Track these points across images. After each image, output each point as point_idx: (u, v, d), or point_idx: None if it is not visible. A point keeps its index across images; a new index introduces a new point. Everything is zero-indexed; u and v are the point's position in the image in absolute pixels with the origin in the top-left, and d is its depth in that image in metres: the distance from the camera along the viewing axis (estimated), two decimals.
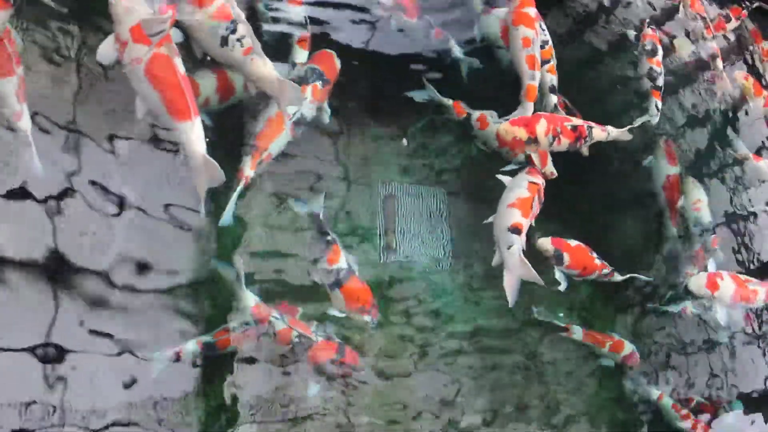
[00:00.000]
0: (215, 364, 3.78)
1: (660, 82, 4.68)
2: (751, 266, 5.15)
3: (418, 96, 4.40)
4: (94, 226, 3.58)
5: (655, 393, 4.62)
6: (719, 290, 4.23)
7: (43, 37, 3.61)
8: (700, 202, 4.76)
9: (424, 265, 4.49)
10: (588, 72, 5.21)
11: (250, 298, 3.60)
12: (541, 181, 4.09)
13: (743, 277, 4.41)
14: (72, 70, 3.70)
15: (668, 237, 4.80)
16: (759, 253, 5.28)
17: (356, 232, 4.37)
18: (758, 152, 5.20)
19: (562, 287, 4.05)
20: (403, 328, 4.33)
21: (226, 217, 3.65)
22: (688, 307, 4.66)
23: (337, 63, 4.06)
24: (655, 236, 4.88)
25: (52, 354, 3.31)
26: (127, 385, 3.51)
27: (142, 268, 3.73)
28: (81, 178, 3.59)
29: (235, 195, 3.64)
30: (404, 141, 4.56)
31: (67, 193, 3.54)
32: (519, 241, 3.79)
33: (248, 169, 3.73)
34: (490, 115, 4.26)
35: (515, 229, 3.80)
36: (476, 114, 4.29)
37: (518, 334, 4.69)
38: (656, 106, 4.65)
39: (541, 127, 3.92)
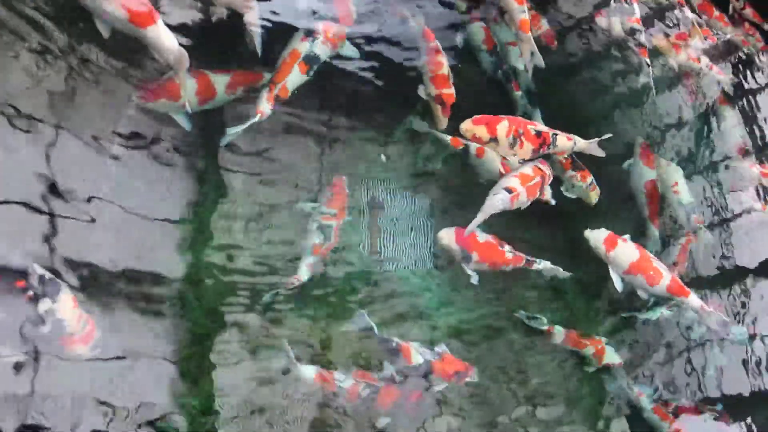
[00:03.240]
0: None
1: (643, 39, 4.68)
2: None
3: (418, 126, 4.49)
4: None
5: (635, 394, 4.62)
6: (615, 251, 4.05)
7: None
8: (678, 185, 4.78)
9: (408, 268, 4.51)
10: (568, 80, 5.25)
11: (308, 371, 3.78)
12: (548, 171, 4.13)
13: (653, 256, 4.20)
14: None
15: (650, 238, 4.80)
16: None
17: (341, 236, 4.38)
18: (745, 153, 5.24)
19: (474, 280, 4.02)
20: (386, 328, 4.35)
21: (226, 139, 3.92)
22: (665, 313, 4.67)
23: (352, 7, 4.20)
24: (640, 239, 4.85)
25: None
26: None
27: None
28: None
29: (248, 123, 3.80)
30: (382, 156, 4.59)
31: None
32: (506, 196, 3.83)
33: (264, 104, 3.87)
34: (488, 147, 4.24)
35: (508, 189, 3.86)
36: (473, 145, 4.30)
37: (501, 333, 4.70)
38: (646, 63, 4.65)
39: (503, 128, 3.87)
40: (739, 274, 5.11)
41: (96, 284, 3.61)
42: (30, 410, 3.13)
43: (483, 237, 4.03)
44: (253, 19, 3.98)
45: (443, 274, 4.60)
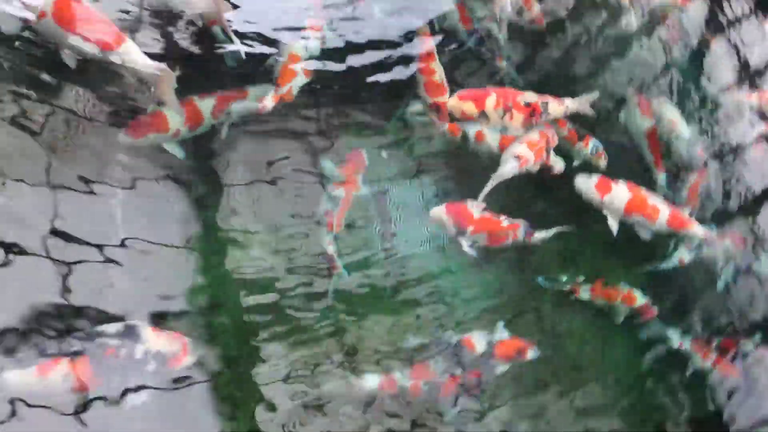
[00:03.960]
0: None
1: None
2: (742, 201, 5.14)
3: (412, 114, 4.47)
4: None
5: (675, 339, 4.59)
6: (610, 195, 3.99)
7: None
8: (674, 122, 4.77)
9: (423, 250, 4.52)
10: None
11: (371, 381, 3.79)
12: (551, 133, 4.10)
13: (646, 192, 4.17)
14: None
15: (658, 185, 4.77)
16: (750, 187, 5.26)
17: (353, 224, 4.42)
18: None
19: (471, 252, 3.99)
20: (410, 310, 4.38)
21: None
22: (684, 256, 4.64)
23: None
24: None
25: None
26: None
27: None
28: None
29: (248, 106, 3.96)
30: (383, 154, 4.58)
31: None
32: (515, 163, 3.82)
33: (269, 100, 3.93)
34: (488, 130, 4.23)
35: (516, 156, 3.86)
36: (472, 130, 4.24)
37: (529, 305, 4.69)
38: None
39: (491, 101, 3.83)
40: (754, 203, 5.10)
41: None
42: None
43: (477, 210, 3.97)
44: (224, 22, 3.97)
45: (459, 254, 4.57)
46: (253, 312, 4.06)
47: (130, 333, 2.99)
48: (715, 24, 5.26)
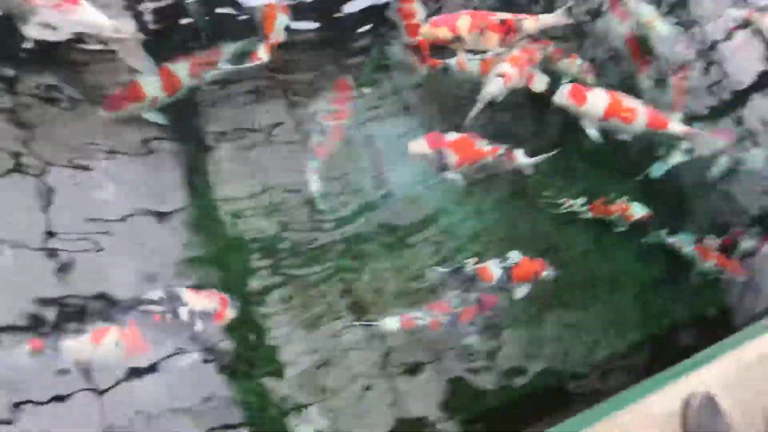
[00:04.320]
0: None
1: None
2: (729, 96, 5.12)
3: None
4: None
5: (678, 243, 4.65)
6: (587, 103, 3.92)
7: None
8: (652, 19, 4.69)
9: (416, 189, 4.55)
10: None
11: (391, 323, 3.83)
12: (535, 48, 4.07)
13: (621, 94, 4.09)
14: None
15: (643, 89, 4.74)
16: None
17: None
18: None
19: (458, 180, 4.01)
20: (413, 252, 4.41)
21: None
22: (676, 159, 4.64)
23: None
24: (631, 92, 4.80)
25: None
26: None
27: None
28: None
29: (244, 65, 4.06)
30: (365, 90, 4.54)
31: None
32: (500, 81, 3.81)
33: (263, 51, 4.05)
34: (468, 58, 4.22)
35: (500, 74, 3.84)
36: (452, 62, 4.25)
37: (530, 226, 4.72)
38: None
39: (464, 24, 3.74)
40: (740, 97, 5.09)
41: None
42: None
43: (453, 135, 3.95)
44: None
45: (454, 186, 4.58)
46: (253, 275, 4.07)
47: (171, 297, 3.13)
48: None
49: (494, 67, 3.91)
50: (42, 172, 3.66)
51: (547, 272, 4.09)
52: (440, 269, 4.05)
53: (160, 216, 3.94)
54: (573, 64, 4.61)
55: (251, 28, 4.21)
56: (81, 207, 3.70)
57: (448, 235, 4.52)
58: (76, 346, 2.90)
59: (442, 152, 3.87)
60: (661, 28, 4.69)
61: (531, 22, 3.97)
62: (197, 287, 3.40)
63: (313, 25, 4.54)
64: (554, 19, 4.02)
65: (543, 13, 4.17)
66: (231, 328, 3.64)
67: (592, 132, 3.99)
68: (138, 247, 3.75)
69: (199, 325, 3.16)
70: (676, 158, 4.54)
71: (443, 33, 3.72)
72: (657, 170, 4.63)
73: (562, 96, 3.95)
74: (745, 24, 4.90)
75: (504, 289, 4.03)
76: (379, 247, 4.36)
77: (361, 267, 4.27)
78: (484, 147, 3.99)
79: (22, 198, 3.56)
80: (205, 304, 3.22)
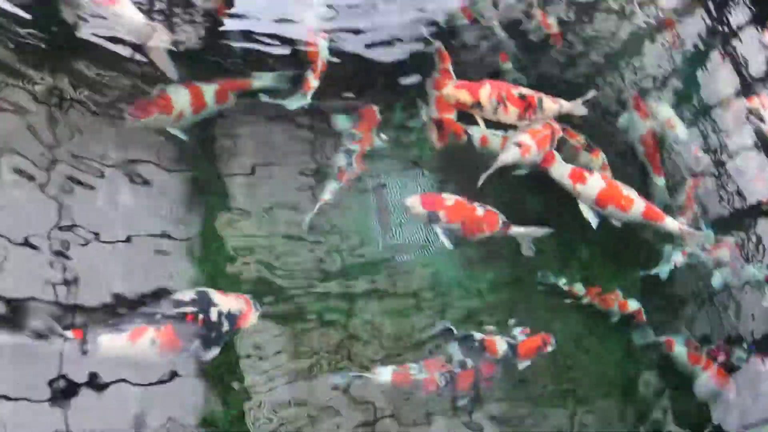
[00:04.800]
0: None
1: None
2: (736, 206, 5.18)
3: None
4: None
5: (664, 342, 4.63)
6: (585, 185, 4.01)
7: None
8: (671, 120, 4.82)
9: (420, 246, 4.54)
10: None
11: (384, 374, 3.78)
12: (557, 126, 4.12)
13: (618, 183, 4.15)
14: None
15: (656, 188, 4.81)
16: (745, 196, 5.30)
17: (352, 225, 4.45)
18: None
19: (447, 245, 3.98)
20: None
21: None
22: (679, 258, 4.67)
23: None
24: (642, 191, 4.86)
25: None
26: None
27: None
28: None
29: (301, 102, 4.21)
30: (382, 136, 4.55)
31: None
32: (516, 150, 3.85)
33: (312, 79, 4.21)
34: (492, 134, 4.35)
35: (518, 143, 3.87)
36: (476, 134, 4.36)
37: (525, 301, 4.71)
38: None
39: (485, 92, 3.81)
40: (749, 213, 5.15)
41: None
42: None
43: (451, 198, 3.97)
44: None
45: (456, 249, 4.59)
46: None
47: (203, 298, 3.22)
48: (713, 34, 5.32)
49: (512, 136, 3.98)
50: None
51: (550, 347, 4.13)
52: (448, 324, 4.05)
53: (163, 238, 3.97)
54: (595, 160, 4.65)
55: (284, 61, 4.30)
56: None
57: (443, 302, 4.50)
58: (113, 342, 2.95)
59: (437, 214, 3.91)
60: (680, 131, 4.79)
61: (550, 103, 4.03)
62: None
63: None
64: (573, 106, 4.09)
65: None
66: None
67: (589, 214, 4.05)
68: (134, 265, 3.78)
69: (225, 326, 3.25)
70: (679, 259, 4.57)
71: (464, 96, 3.78)
72: (663, 271, 4.65)
73: (561, 175, 4.03)
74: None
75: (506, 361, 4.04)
76: (371, 295, 4.35)
77: (352, 311, 4.25)
78: (479, 210, 4.01)
79: None
80: (233, 306, 3.31)
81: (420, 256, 4.54)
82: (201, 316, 3.15)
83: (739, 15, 5.47)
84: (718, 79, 5.32)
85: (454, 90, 3.79)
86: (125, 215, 3.88)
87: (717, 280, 4.82)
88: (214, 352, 3.26)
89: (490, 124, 4.03)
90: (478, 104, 3.80)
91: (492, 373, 4.02)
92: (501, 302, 4.63)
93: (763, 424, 4.29)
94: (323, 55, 4.28)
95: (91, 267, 3.63)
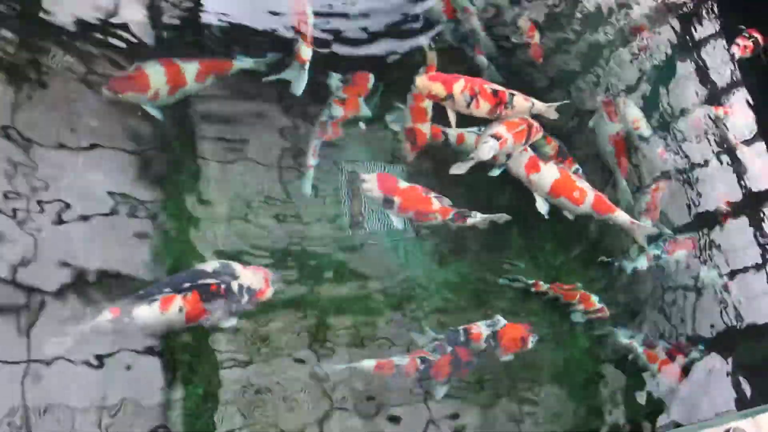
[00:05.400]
0: None
1: None
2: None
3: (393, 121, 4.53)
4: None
5: (625, 340, 4.76)
6: (537, 174, 4.13)
7: None
8: (638, 120, 5.00)
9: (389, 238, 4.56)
10: None
11: (367, 365, 3.80)
12: (536, 124, 4.16)
13: (574, 176, 4.29)
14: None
15: (621, 191, 4.94)
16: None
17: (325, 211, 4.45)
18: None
19: (398, 225, 4.09)
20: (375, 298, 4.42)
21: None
22: (644, 262, 4.83)
23: None
24: (610, 194, 4.96)
25: None
26: None
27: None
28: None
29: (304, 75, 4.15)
30: (361, 125, 4.57)
31: None
32: (494, 143, 3.88)
33: (305, 50, 4.16)
34: (467, 132, 4.41)
35: (495, 136, 3.91)
36: (452, 133, 4.41)
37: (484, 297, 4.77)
38: None
39: (459, 86, 3.84)
40: (708, 218, 5.34)
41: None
42: None
43: (406, 184, 4.04)
44: None
45: (423, 241, 4.64)
46: None
47: (226, 270, 3.37)
48: (682, 44, 5.49)
49: (488, 127, 4.02)
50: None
51: (532, 340, 4.16)
52: (432, 332, 4.08)
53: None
54: (547, 146, 4.71)
55: (267, 45, 4.29)
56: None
57: (411, 292, 4.53)
58: (147, 313, 3.12)
59: (392, 198, 3.97)
60: (644, 129, 4.98)
61: (521, 100, 4.05)
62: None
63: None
64: (545, 108, 4.10)
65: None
66: None
67: (541, 204, 4.17)
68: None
69: (245, 299, 3.39)
70: (643, 262, 4.72)
71: (437, 88, 3.81)
72: (628, 266, 4.81)
73: (518, 166, 4.14)
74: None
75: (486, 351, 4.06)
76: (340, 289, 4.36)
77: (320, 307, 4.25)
78: (435, 203, 4.07)
79: None
80: (253, 280, 3.45)
81: (390, 245, 4.57)
82: (223, 286, 3.29)
83: (707, 27, 5.66)
84: (685, 87, 5.49)
85: (428, 82, 3.82)
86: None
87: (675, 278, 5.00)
88: (232, 321, 3.41)
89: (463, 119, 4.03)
90: (450, 97, 3.84)
91: (469, 360, 4.05)
92: (464, 299, 4.69)
93: (716, 418, 4.45)
94: (311, 22, 4.23)
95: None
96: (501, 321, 4.12)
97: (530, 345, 4.16)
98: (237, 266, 3.42)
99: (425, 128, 4.35)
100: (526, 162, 4.15)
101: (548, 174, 4.17)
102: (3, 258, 3.46)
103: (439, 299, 4.59)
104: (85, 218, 3.77)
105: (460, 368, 4.01)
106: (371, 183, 3.97)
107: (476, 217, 4.13)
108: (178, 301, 3.16)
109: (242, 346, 3.94)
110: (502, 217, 4.16)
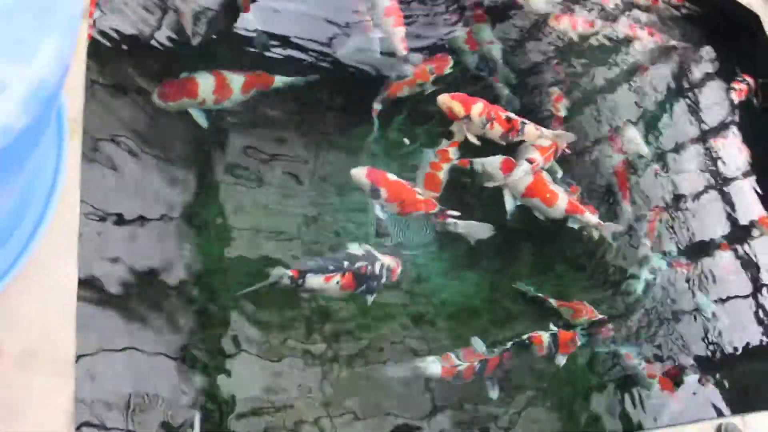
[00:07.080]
0: None
1: None
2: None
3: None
4: None
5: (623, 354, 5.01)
6: (512, 175, 4.29)
7: None
8: (634, 140, 5.41)
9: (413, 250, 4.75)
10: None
11: (434, 367, 4.01)
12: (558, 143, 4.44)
13: (545, 177, 4.43)
14: None
15: (622, 215, 5.26)
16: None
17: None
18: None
19: (381, 215, 4.34)
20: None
21: None
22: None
23: None
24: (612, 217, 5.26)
25: None
26: None
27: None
28: None
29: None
30: (405, 140, 4.80)
31: None
32: (528, 166, 4.23)
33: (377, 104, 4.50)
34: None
35: (529, 160, 4.26)
36: (479, 163, 4.54)
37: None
38: None
39: (477, 108, 4.18)
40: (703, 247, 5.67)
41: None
42: None
43: (394, 177, 4.17)
44: None
45: (443, 252, 4.85)
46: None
47: (370, 253, 4.02)
48: (681, 82, 5.89)
49: (522, 150, 4.33)
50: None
51: (579, 341, 4.51)
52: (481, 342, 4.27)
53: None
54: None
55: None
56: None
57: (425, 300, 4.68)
58: (316, 282, 3.78)
59: (378, 188, 4.09)
60: (642, 150, 5.37)
61: (532, 129, 4.34)
62: None
63: None
64: (555, 138, 4.38)
65: None
66: None
67: (510, 204, 4.39)
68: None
69: (384, 278, 4.03)
70: (646, 277, 5.01)
71: (457, 107, 4.13)
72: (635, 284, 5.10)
73: (492, 166, 4.36)
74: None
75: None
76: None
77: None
78: (419, 196, 4.20)
79: None
80: (390, 262, 4.08)
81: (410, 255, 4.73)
82: (370, 268, 3.90)
83: (706, 67, 6.07)
84: (682, 123, 5.88)
85: (449, 100, 4.14)
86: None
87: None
88: (372, 297, 4.04)
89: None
90: (468, 117, 4.16)
91: (509, 359, 4.28)
92: (477, 308, 4.87)
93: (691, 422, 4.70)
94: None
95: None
96: (555, 330, 4.47)
97: (578, 345, 4.49)
98: (374, 251, 4.02)
99: (435, 196, 4.40)
100: (502, 164, 4.36)
101: (524, 177, 4.35)
102: None
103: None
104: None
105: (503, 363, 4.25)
106: (361, 173, 4.09)
107: (457, 224, 4.27)
108: (337, 277, 3.79)
109: None
110: (486, 228, 4.33)
